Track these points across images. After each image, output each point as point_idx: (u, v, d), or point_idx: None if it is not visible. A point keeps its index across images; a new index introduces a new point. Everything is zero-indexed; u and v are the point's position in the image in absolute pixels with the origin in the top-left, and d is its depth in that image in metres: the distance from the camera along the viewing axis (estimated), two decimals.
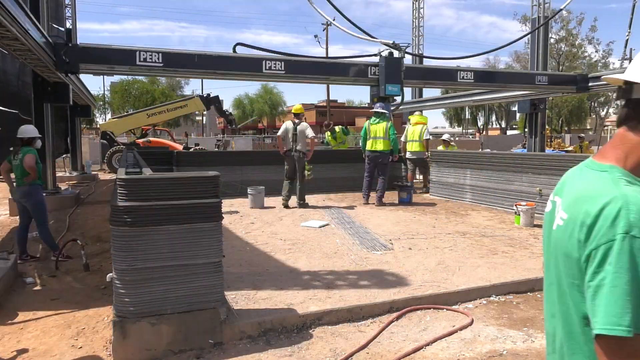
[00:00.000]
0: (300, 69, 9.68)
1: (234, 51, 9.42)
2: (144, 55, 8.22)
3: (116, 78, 46.82)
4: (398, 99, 10.98)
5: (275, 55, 9.55)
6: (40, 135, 6.07)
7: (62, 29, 11.91)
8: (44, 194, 6.36)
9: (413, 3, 17.87)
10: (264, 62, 9.17)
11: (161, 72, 9.12)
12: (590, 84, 12.81)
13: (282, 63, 9.27)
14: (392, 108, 10.99)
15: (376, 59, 9.97)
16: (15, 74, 9.15)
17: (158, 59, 8.35)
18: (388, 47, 10.06)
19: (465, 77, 11.15)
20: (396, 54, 9.97)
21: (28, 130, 5.92)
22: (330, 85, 40.84)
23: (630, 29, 14.33)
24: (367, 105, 67.09)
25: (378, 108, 9.22)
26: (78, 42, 8.40)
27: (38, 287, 4.82)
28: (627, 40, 14.57)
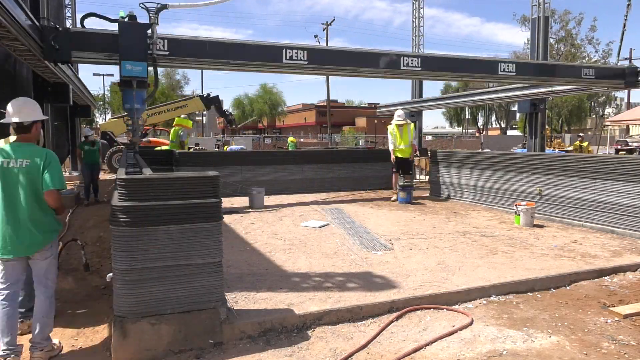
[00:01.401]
0: (326, 58, 8.66)
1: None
2: (158, 42, 7.15)
3: (116, 78, 46.74)
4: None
5: (298, 43, 8.47)
6: (92, 133, 10.63)
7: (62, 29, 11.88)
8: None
9: (413, 3, 17.87)
10: (284, 50, 8.15)
11: (167, 62, 7.54)
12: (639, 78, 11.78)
13: (305, 52, 8.28)
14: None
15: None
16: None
17: (163, 46, 7.24)
18: None
19: (506, 70, 10.07)
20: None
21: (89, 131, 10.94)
22: (330, 86, 40.82)
23: (621, 42, 14.42)
24: (367, 105, 67.14)
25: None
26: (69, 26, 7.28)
27: None
28: (622, 34, 14.54)
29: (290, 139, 29.54)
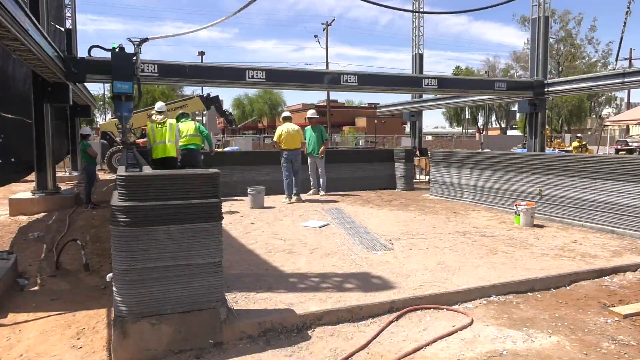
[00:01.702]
0: (281, 76, 11.27)
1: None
2: (142, 66, 9.12)
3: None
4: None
5: (257, 64, 11.28)
6: (92, 132, 10.40)
7: (62, 29, 11.91)
8: (95, 169, 10.66)
9: (413, 3, 17.87)
10: (247, 71, 10.61)
11: (157, 81, 10.71)
12: (546, 89, 13.79)
13: (263, 72, 10.72)
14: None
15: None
16: (22, 79, 9.31)
17: (154, 69, 9.81)
18: None
19: (429, 84, 12.43)
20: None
21: (86, 130, 10.97)
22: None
23: (620, 47, 14.48)
24: (367, 105, 67.09)
25: None
26: (84, 55, 9.30)
27: (37, 288, 4.81)
28: (621, 38, 14.57)
29: None
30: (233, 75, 10.65)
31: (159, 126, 8.59)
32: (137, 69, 8.71)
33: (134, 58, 8.65)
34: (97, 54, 9.26)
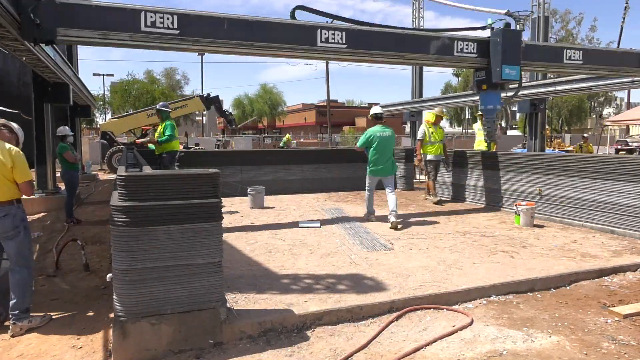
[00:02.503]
0: (367, 41, 7.11)
1: (292, 17, 7.04)
2: (152, 17, 5.86)
3: (116, 78, 46.73)
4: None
5: (337, 23, 7.09)
6: (72, 133, 8.54)
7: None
8: (77, 175, 8.88)
9: (413, 3, 17.88)
10: (318, 31, 6.77)
11: (175, 43, 6.07)
12: None
13: (343, 34, 6.88)
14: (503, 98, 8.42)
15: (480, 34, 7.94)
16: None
17: (172, 23, 5.97)
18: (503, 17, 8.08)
19: (572, 58, 8.58)
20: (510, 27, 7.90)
21: (64, 130, 8.40)
22: (330, 86, 40.71)
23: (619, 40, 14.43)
24: (367, 105, 67.10)
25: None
26: None
27: (37, 288, 4.81)
28: (620, 32, 14.57)
29: (287, 136, 29.70)
30: (297, 37, 6.70)
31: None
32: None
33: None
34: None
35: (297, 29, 6.71)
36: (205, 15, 6.23)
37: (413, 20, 17.81)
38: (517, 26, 7.03)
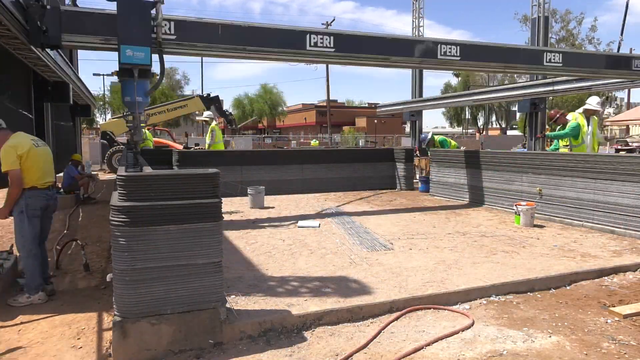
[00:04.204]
0: (352, 46, 7.49)
1: None
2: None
3: (117, 78, 46.72)
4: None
5: (322, 29, 7.66)
6: None
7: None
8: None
9: (413, 3, 17.86)
10: (308, 36, 7.12)
11: (174, 47, 6.46)
12: None
13: (331, 38, 7.26)
14: None
15: None
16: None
17: (169, 29, 6.26)
18: None
19: (552, 60, 8.81)
20: None
21: None
22: (330, 86, 40.74)
23: (622, 35, 14.31)
24: (367, 105, 67.11)
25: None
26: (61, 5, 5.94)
27: None
28: (619, 45, 14.52)
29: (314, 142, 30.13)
30: (287, 41, 7.13)
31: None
32: (157, 27, 5.91)
33: (154, 10, 5.83)
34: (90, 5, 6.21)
35: (288, 33, 7.02)
36: (200, 21, 6.50)
37: (413, 21, 17.79)
38: None
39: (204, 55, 7.25)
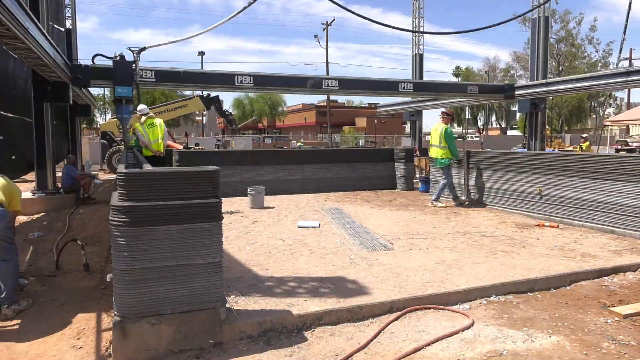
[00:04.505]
0: (265, 82, 12.21)
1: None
2: (140, 72, 10.28)
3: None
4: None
5: (245, 71, 12.18)
6: None
7: (62, 29, 11.92)
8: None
9: (413, 3, 17.86)
10: (236, 77, 11.65)
11: (155, 86, 12.20)
12: (516, 92, 14.57)
13: (251, 77, 11.81)
14: None
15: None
16: (24, 78, 9.42)
17: (152, 75, 10.92)
18: None
19: (405, 88, 13.45)
20: None
21: None
22: None
23: (625, 34, 14.29)
24: (367, 105, 67.08)
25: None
26: (87, 63, 10.28)
27: (37, 288, 4.81)
28: (622, 44, 14.52)
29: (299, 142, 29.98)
30: (223, 80, 11.63)
31: (149, 126, 9.50)
32: (136, 75, 9.56)
33: (133, 66, 9.51)
34: (99, 61, 10.34)
35: (224, 75, 11.81)
36: (170, 70, 11.85)
37: (413, 20, 17.79)
38: (134, 56, 9.60)
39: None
